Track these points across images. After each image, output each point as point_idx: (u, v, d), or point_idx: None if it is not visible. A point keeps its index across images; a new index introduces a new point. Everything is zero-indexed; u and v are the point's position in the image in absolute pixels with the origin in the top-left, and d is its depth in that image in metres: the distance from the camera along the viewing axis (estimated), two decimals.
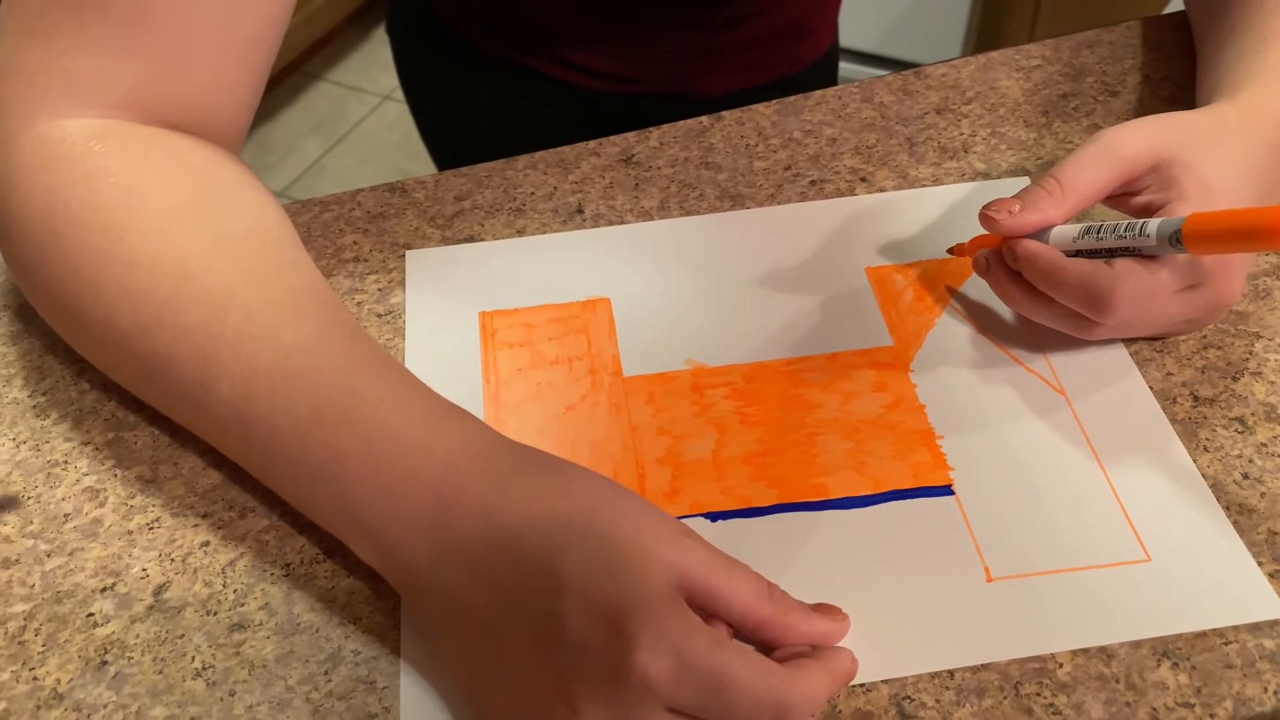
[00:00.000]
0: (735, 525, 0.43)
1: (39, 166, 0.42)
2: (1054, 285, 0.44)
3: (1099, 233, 0.44)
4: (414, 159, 2.06)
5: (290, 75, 2.23)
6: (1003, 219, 0.45)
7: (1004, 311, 0.50)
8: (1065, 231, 0.45)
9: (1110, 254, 0.44)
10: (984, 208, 0.46)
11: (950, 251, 0.51)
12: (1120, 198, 0.47)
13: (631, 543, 0.34)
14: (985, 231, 0.47)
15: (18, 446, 0.45)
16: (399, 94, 2.21)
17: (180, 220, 0.42)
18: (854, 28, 1.88)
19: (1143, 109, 0.60)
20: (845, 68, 1.91)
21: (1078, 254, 0.45)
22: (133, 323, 0.41)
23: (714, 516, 0.43)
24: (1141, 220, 0.43)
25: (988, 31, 1.85)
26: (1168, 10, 0.67)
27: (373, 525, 0.37)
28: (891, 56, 1.92)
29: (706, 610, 0.36)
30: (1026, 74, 0.62)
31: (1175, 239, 0.41)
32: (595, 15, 0.72)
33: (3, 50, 0.43)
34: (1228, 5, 0.55)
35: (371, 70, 2.27)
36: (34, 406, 0.47)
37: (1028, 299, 0.46)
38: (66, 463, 0.45)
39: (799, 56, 0.80)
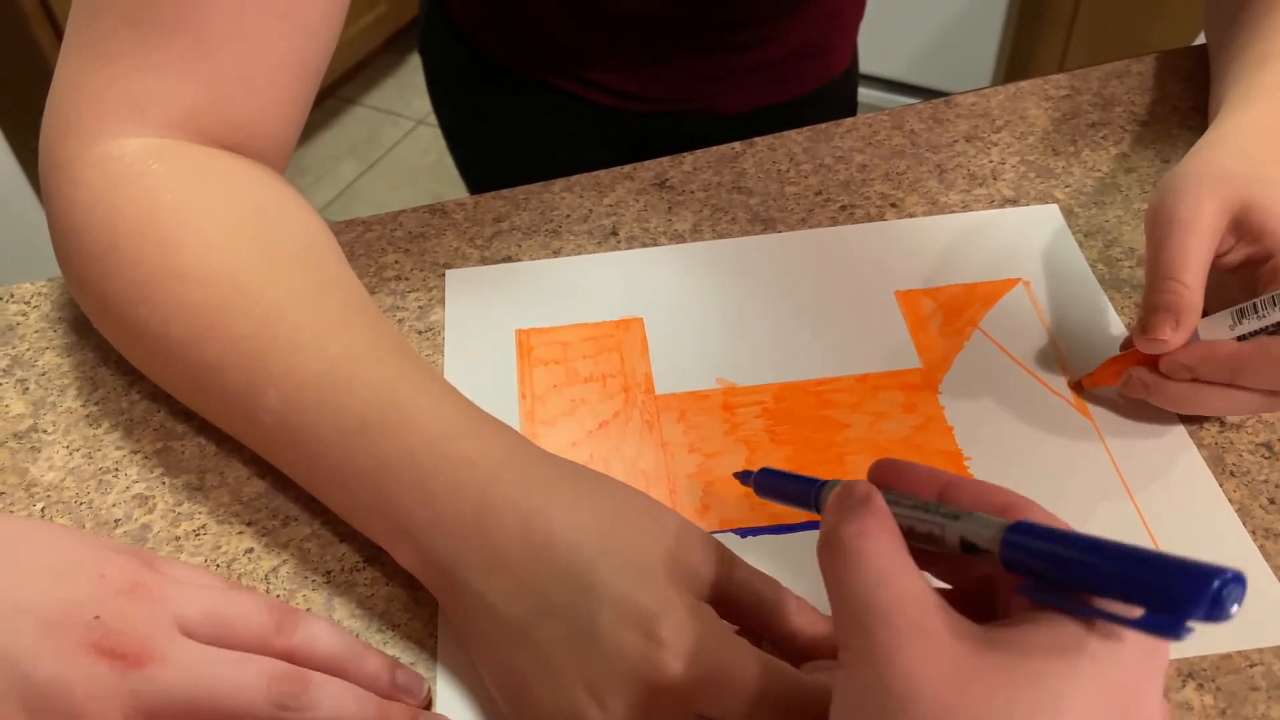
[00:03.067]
0: (764, 541, 0.43)
1: (99, 183, 0.44)
2: (1245, 374, 0.43)
3: (1258, 310, 0.43)
4: (446, 183, 2.09)
5: (326, 99, 2.27)
6: (1170, 337, 0.43)
7: (1033, 335, 0.50)
8: (1216, 322, 0.44)
9: (1276, 328, 0.43)
10: (1142, 337, 0.44)
11: (1083, 384, 0.48)
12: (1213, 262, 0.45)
13: (665, 552, 0.36)
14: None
15: (71, 454, 0.47)
16: (432, 119, 2.24)
17: (232, 237, 0.44)
18: (885, 56, 1.90)
19: (1171, 139, 0.61)
20: (875, 95, 1.94)
21: (1239, 339, 0.44)
22: (185, 333, 0.42)
23: (744, 532, 0.44)
24: None
25: (1018, 62, 1.86)
26: (1197, 43, 0.68)
27: (415, 533, 0.38)
28: (922, 85, 1.94)
29: (736, 621, 0.37)
30: (1055, 103, 0.63)
31: None
32: (618, 38, 0.74)
33: (68, 72, 0.45)
34: (1235, 29, 0.56)
35: (406, 95, 2.31)
36: (86, 416, 0.48)
37: (1214, 397, 0.44)
38: (117, 470, 0.46)
39: (817, 74, 0.82)
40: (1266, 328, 0.43)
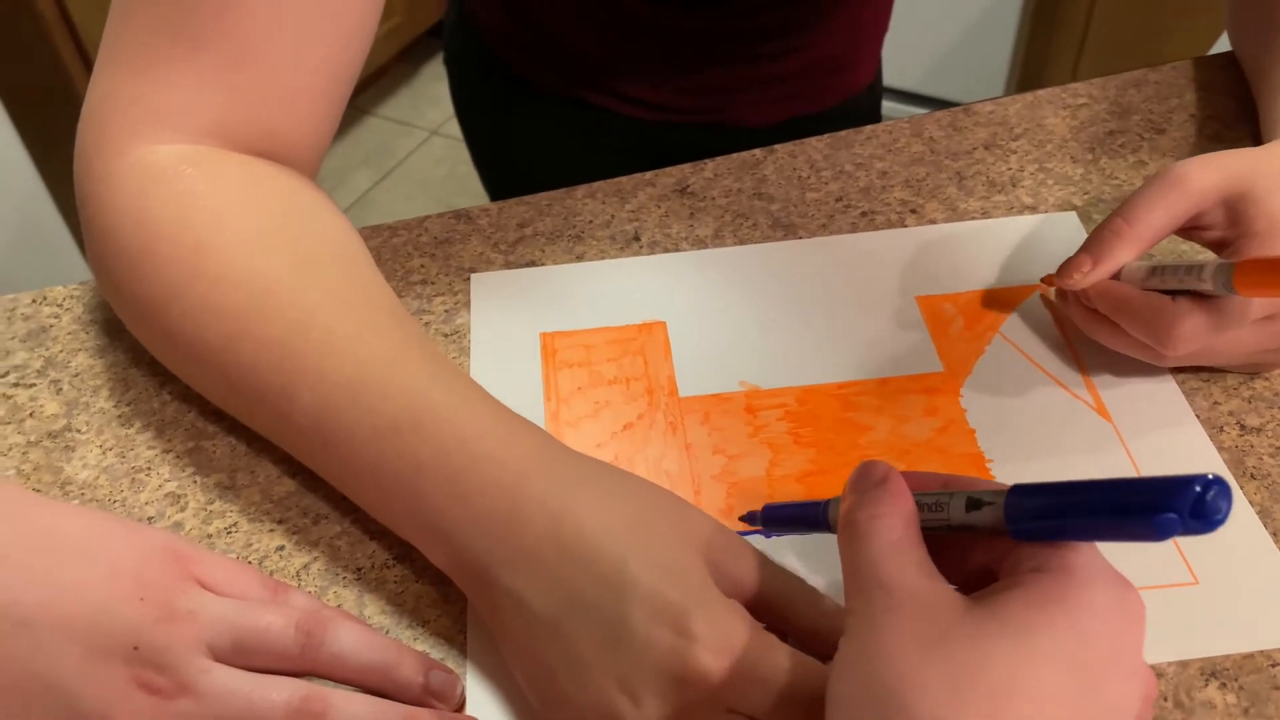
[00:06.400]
0: (789, 540, 0.44)
1: (134, 189, 0.45)
2: (1123, 318, 0.46)
3: (1163, 273, 0.46)
4: (460, 193, 2.10)
5: None
6: (1077, 280, 0.47)
7: (1052, 340, 0.51)
8: (1136, 268, 0.47)
9: (1174, 292, 0.45)
10: (1059, 270, 0.48)
11: (1044, 281, 0.53)
12: (1192, 231, 0.48)
13: (695, 550, 0.36)
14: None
15: (104, 453, 0.48)
16: (446, 129, 2.26)
17: (265, 241, 0.44)
18: (899, 67, 1.90)
19: (1188, 147, 0.61)
20: (890, 106, 1.94)
21: (1146, 290, 0.46)
22: (219, 336, 0.43)
23: (769, 532, 0.44)
24: (1200, 263, 0.44)
25: (1031, 72, 1.87)
26: (1213, 51, 0.68)
27: (447, 530, 0.38)
28: (937, 96, 1.95)
29: (763, 619, 0.37)
30: (1073, 112, 0.64)
31: (1227, 283, 0.42)
32: (643, 50, 0.75)
33: (103, 81, 0.46)
34: (1275, 40, 0.57)
35: (420, 106, 2.32)
36: (119, 416, 0.49)
37: (1102, 328, 0.48)
38: (150, 469, 0.47)
39: (842, 89, 0.82)
40: (1165, 291, 0.45)
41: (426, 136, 2.26)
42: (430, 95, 2.31)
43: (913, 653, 0.29)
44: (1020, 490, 0.32)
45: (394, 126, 2.29)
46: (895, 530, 0.32)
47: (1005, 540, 0.32)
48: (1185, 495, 0.27)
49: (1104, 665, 0.28)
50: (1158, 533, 0.27)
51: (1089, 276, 0.47)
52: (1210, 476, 0.27)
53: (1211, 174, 0.46)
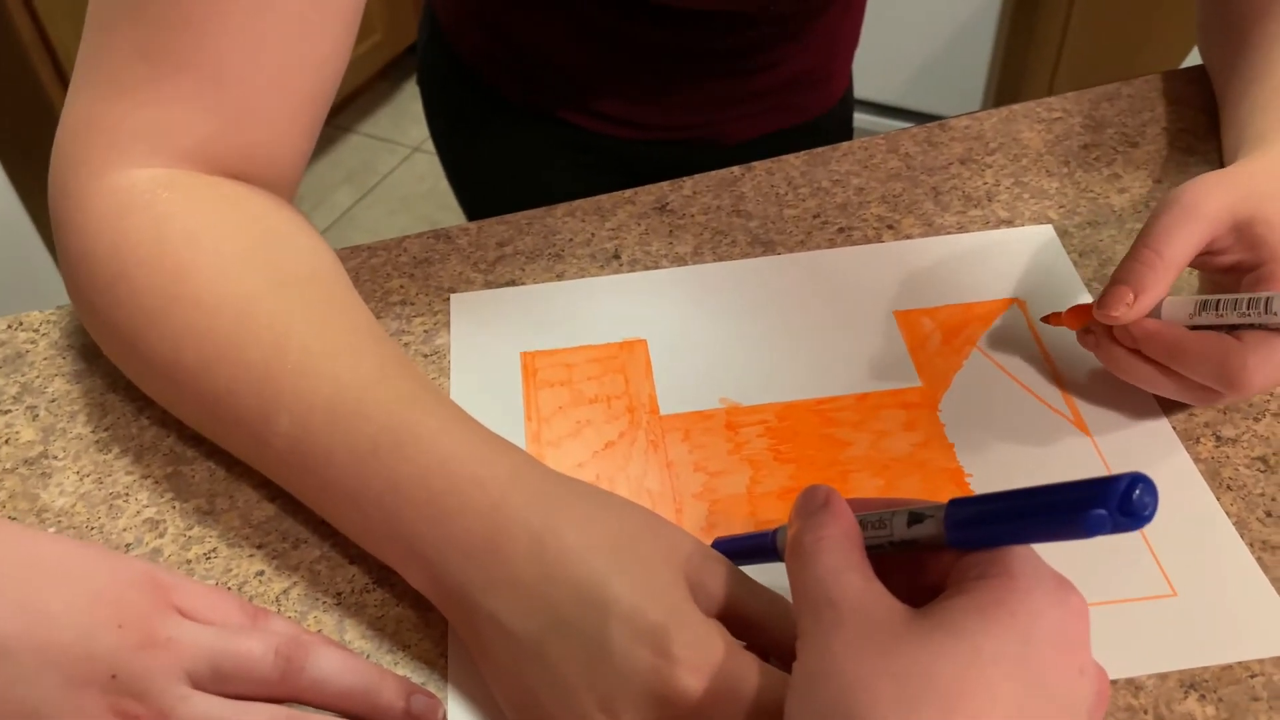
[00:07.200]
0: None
1: (109, 213, 0.45)
2: (1182, 362, 0.44)
3: (1219, 308, 0.44)
4: (443, 210, 2.10)
5: (322, 128, 2.28)
6: (1123, 313, 0.44)
7: (1030, 354, 0.51)
8: (1179, 305, 0.45)
9: (1233, 327, 0.44)
10: (1099, 305, 0.45)
11: (1046, 321, 0.50)
12: (1204, 257, 0.46)
13: (675, 570, 0.36)
14: (1091, 302, 0.47)
15: (81, 479, 0.47)
16: (428, 146, 2.26)
17: (242, 263, 0.44)
18: (878, 81, 1.92)
19: (1162, 160, 0.62)
20: (869, 120, 1.96)
21: (1194, 328, 0.45)
22: (196, 359, 0.43)
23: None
24: (1265, 295, 0.43)
25: (1007, 85, 1.89)
26: (1186, 64, 0.69)
27: (427, 553, 0.38)
28: (915, 109, 1.96)
29: (743, 638, 0.37)
30: (1048, 125, 0.64)
31: None
32: (623, 67, 0.75)
33: (79, 103, 0.46)
34: (1245, 51, 0.57)
35: (401, 123, 2.33)
36: (96, 441, 0.49)
37: (1148, 373, 0.46)
38: (128, 495, 0.47)
39: (817, 101, 0.83)
40: (1222, 326, 0.44)
41: (408, 153, 2.26)
42: (412, 112, 2.31)
43: (862, 664, 0.29)
44: (958, 501, 0.32)
45: (375, 144, 2.29)
46: (839, 549, 0.33)
47: (951, 554, 0.32)
48: (1112, 493, 0.28)
49: (1050, 665, 0.29)
50: (1087, 530, 0.28)
51: (1134, 309, 0.44)
52: (1136, 474, 0.28)
53: (1220, 195, 0.45)
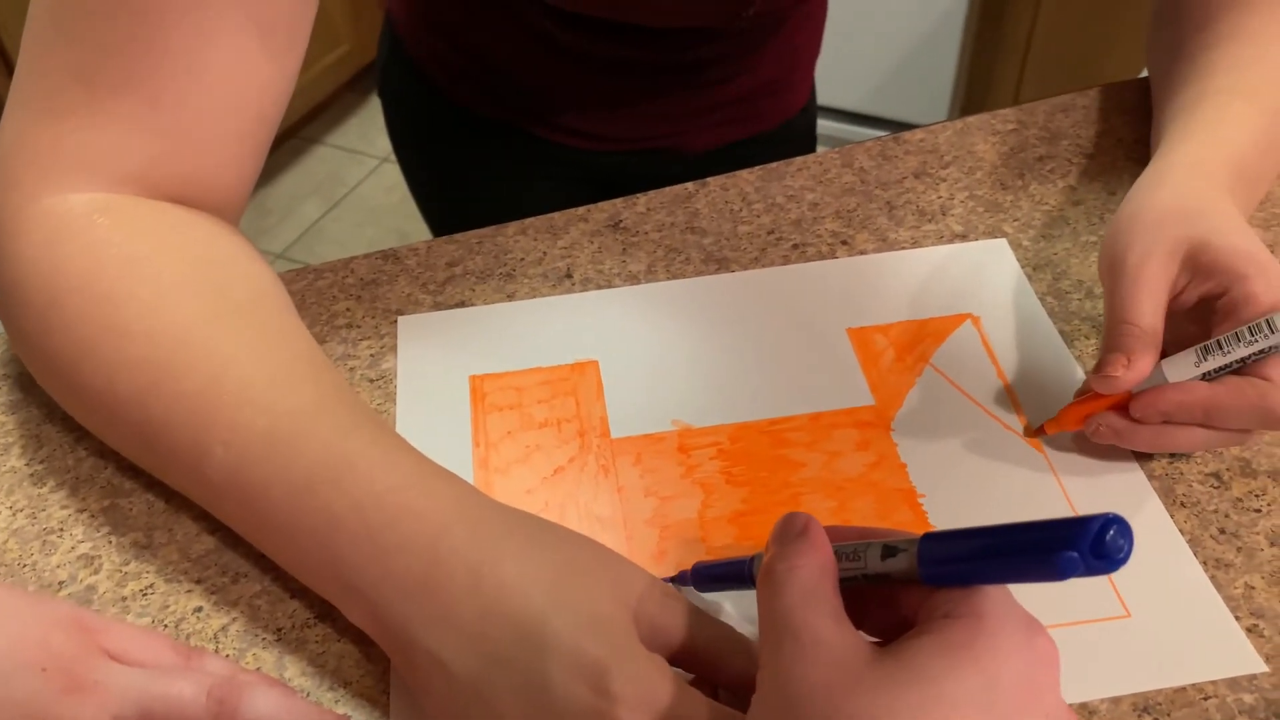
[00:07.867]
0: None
1: (42, 239, 0.43)
2: (1222, 417, 0.43)
3: (1222, 347, 0.43)
4: (411, 220, 2.09)
5: (289, 139, 2.26)
6: (1123, 375, 0.43)
7: (983, 371, 0.51)
8: (1180, 362, 0.44)
9: (1241, 363, 0.43)
10: (1096, 376, 0.44)
11: (1041, 431, 0.48)
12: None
13: (619, 603, 0.35)
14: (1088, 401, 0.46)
15: (14, 515, 0.46)
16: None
17: (179, 290, 0.43)
18: (845, 89, 1.92)
19: (1116, 171, 0.62)
20: (835, 127, 1.96)
21: (1203, 376, 0.44)
22: (131, 390, 0.42)
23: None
24: (1264, 319, 0.42)
25: (974, 92, 1.89)
26: (1142, 75, 0.69)
27: (364, 589, 0.37)
28: (881, 116, 1.96)
29: (690, 670, 0.37)
30: (1003, 138, 0.64)
31: None
32: (585, 80, 0.74)
33: (14, 126, 0.45)
34: (1176, 63, 0.57)
35: (369, 134, 2.31)
36: (31, 475, 0.47)
37: (1185, 437, 0.45)
38: (62, 530, 0.45)
39: (779, 111, 0.83)
40: (1231, 364, 0.43)
41: (376, 164, 2.24)
42: (379, 123, 2.28)
43: (820, 702, 0.28)
44: (932, 536, 0.32)
45: (343, 155, 2.27)
46: (810, 580, 0.32)
47: (923, 589, 0.31)
48: (1085, 535, 0.27)
49: (1015, 710, 0.28)
50: (1059, 572, 0.27)
51: (1130, 372, 0.43)
52: (1110, 516, 0.27)
53: (1156, 246, 0.45)
